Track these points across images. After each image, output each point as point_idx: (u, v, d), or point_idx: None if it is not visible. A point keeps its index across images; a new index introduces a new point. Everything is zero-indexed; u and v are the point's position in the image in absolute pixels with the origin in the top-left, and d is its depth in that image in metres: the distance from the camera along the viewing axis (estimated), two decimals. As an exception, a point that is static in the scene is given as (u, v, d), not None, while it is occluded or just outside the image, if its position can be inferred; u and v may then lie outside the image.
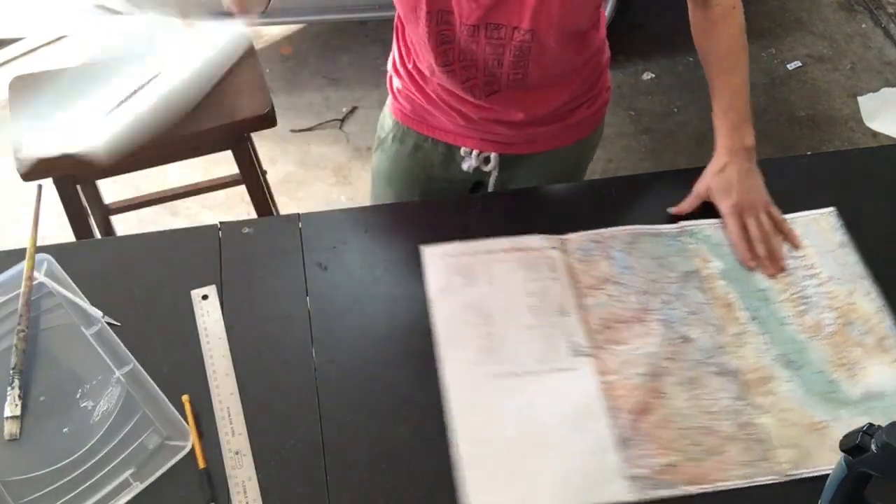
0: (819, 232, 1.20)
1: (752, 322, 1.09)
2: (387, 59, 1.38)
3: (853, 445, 0.81)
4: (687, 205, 1.21)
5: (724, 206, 1.19)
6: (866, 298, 1.12)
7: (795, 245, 1.17)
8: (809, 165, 1.33)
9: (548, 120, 1.31)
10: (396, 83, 1.36)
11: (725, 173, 1.19)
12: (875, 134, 2.75)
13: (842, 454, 0.84)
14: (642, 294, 1.12)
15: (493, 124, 1.29)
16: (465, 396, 1.02)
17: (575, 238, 1.17)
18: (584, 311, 1.10)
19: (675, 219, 1.21)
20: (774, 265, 1.15)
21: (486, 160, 1.36)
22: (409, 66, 1.30)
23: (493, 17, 1.11)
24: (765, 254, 1.15)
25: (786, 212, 1.21)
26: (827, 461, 0.97)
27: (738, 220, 1.17)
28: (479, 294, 1.11)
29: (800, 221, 1.21)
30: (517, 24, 1.11)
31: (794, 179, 1.30)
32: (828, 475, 0.93)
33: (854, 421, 1.00)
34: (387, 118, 1.42)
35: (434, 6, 1.12)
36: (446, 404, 1.01)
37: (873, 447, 0.79)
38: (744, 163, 1.19)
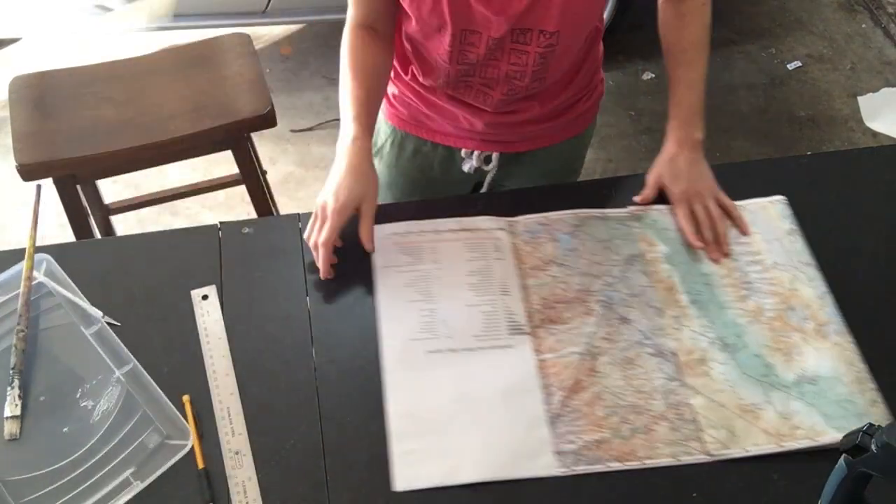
0: (768, 219, 1.21)
1: (692, 305, 1.11)
2: None
3: (853, 445, 0.81)
4: (647, 195, 1.23)
5: (673, 192, 1.22)
6: (809, 285, 1.13)
7: (743, 231, 1.19)
8: (809, 165, 1.33)
9: (553, 115, 1.31)
10: (392, 89, 1.35)
11: (675, 162, 1.23)
12: (875, 134, 2.75)
13: (842, 454, 0.84)
14: (585, 276, 1.13)
15: (499, 126, 1.30)
16: (400, 371, 1.03)
17: (523, 220, 1.20)
18: (525, 291, 1.12)
19: (625, 204, 1.22)
20: (719, 249, 1.17)
21: (487, 160, 1.36)
22: (407, 78, 1.29)
23: (521, 23, 1.11)
24: (711, 238, 1.17)
25: (736, 199, 1.23)
26: (753, 443, 0.99)
27: (687, 206, 1.20)
28: (422, 272, 1.13)
29: (749, 208, 1.23)
30: (543, 27, 1.11)
31: (794, 179, 1.30)
32: (756, 457, 0.97)
33: (785, 404, 1.02)
34: (382, 124, 1.40)
35: (458, 26, 1.11)
36: (382, 379, 1.02)
37: (873, 447, 0.79)
38: (692, 153, 1.24)
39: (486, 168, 1.37)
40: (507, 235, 1.18)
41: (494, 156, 1.35)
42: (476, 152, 1.34)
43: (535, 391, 1.02)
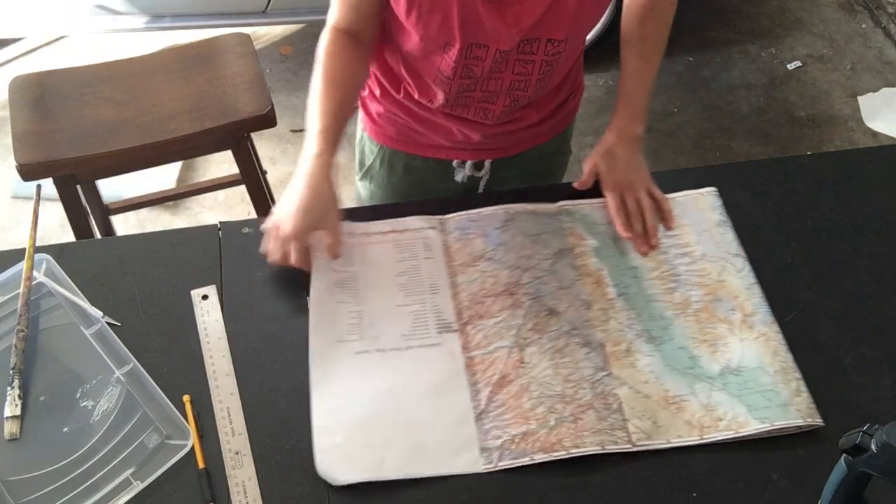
0: (698, 210, 1.22)
1: (619, 298, 1.12)
2: None
3: (853, 445, 0.81)
4: (584, 181, 1.23)
5: (607, 182, 1.22)
6: (737, 276, 1.14)
7: (668, 226, 1.20)
8: (809, 165, 1.33)
9: (546, 118, 1.31)
10: (376, 108, 1.31)
11: (611, 153, 1.23)
12: (875, 134, 2.75)
13: (842, 454, 0.84)
14: (514, 269, 1.13)
15: (495, 137, 1.29)
16: (325, 371, 1.03)
17: (454, 217, 1.19)
18: (455, 289, 1.12)
19: (555, 198, 1.23)
20: (647, 242, 1.17)
21: (479, 167, 1.35)
22: (400, 96, 1.25)
23: (531, 34, 1.09)
24: (640, 230, 1.18)
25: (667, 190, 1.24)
26: (676, 435, 0.99)
27: (619, 197, 1.20)
28: (351, 273, 1.13)
29: (680, 200, 1.23)
30: (552, 36, 1.10)
31: (794, 179, 1.30)
32: (679, 447, 0.98)
33: (709, 396, 1.02)
34: (367, 143, 1.38)
35: (467, 40, 1.08)
36: (309, 380, 1.02)
37: (873, 447, 0.79)
38: (630, 146, 1.23)
39: (478, 175, 1.36)
40: (437, 234, 1.18)
41: (487, 162, 1.34)
42: (469, 162, 1.34)
43: (463, 389, 1.02)
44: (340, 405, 1.00)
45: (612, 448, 0.97)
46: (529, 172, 1.38)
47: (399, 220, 1.19)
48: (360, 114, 1.37)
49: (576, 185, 1.23)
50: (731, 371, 1.05)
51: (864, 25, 3.16)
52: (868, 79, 2.95)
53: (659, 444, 0.99)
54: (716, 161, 2.61)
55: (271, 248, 1.08)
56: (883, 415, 1.03)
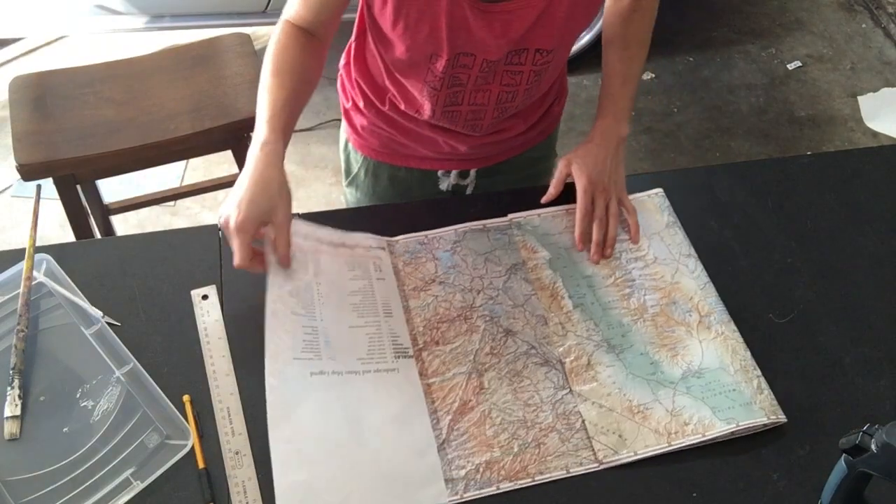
0: (646, 212, 1.21)
1: (575, 310, 1.10)
2: None
3: (853, 445, 0.81)
4: (555, 189, 1.19)
5: (580, 182, 1.17)
6: (691, 276, 1.14)
7: (634, 240, 1.17)
8: (809, 165, 1.33)
9: (533, 125, 1.31)
10: (359, 121, 1.30)
11: (591, 153, 1.19)
12: (875, 134, 2.75)
13: (842, 454, 0.84)
14: (467, 292, 1.11)
15: (481, 147, 1.28)
16: (282, 395, 0.97)
17: (402, 241, 1.17)
18: (408, 313, 1.09)
19: (504, 212, 1.21)
20: (599, 251, 1.15)
21: (464, 175, 1.35)
22: (385, 108, 1.24)
23: (519, 44, 1.08)
24: (598, 239, 1.15)
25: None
26: (643, 445, 0.98)
27: (588, 199, 1.17)
28: (305, 283, 1.07)
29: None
30: (541, 46, 1.09)
31: (794, 179, 1.30)
32: (646, 458, 0.97)
33: (673, 400, 1.02)
34: (352, 153, 1.37)
35: (454, 50, 1.06)
36: (267, 400, 0.96)
37: (873, 447, 0.79)
38: (612, 148, 1.19)
39: (463, 183, 1.36)
40: (387, 256, 1.15)
41: (472, 171, 1.34)
42: (454, 171, 1.33)
43: (423, 417, 0.99)
44: (300, 435, 0.95)
45: (577, 470, 0.96)
46: (515, 179, 1.38)
47: (350, 234, 1.14)
48: (344, 124, 1.37)
49: (544, 199, 1.19)
50: (692, 374, 1.04)
51: (864, 25, 3.16)
52: (868, 79, 2.95)
53: (627, 457, 0.97)
54: (716, 161, 2.61)
55: (226, 242, 1.01)
56: (883, 415, 1.03)
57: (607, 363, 1.05)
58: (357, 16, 1.20)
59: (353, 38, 1.24)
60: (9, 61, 2.83)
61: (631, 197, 1.22)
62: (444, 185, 1.35)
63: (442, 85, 1.12)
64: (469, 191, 1.38)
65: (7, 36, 2.78)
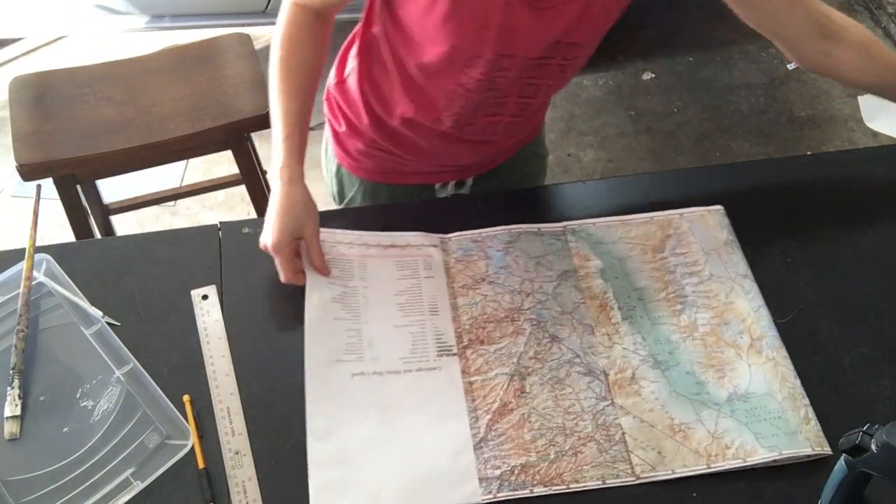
0: (706, 228, 1.19)
1: (624, 322, 1.09)
2: None
3: (853, 445, 0.81)
4: None
5: None
6: (745, 298, 1.12)
7: None
8: (809, 165, 1.33)
9: (533, 126, 1.30)
10: (354, 145, 1.30)
11: None
12: (875, 134, 2.75)
13: (842, 454, 0.84)
14: (517, 294, 1.11)
15: (478, 153, 1.27)
16: (322, 394, 1.00)
17: (456, 238, 1.17)
18: (455, 311, 1.10)
19: (559, 218, 1.20)
20: None
21: (461, 184, 1.35)
22: (395, 123, 1.21)
23: (559, 38, 1.07)
24: None
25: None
26: (682, 465, 0.97)
27: None
28: (350, 289, 1.10)
29: (687, 216, 1.21)
30: (574, 40, 1.08)
31: (794, 179, 1.30)
32: (685, 478, 0.95)
33: (716, 422, 1.00)
34: (346, 177, 1.36)
35: (498, 50, 1.05)
36: (306, 401, 1.00)
37: (873, 447, 0.79)
38: None
39: (460, 192, 1.36)
40: (439, 253, 1.15)
41: (469, 179, 1.34)
42: (451, 182, 1.33)
43: (462, 415, 1.00)
44: (335, 437, 0.97)
45: (613, 482, 0.96)
46: (511, 181, 1.38)
47: (400, 234, 1.16)
48: (333, 149, 1.35)
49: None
50: (738, 397, 1.02)
51: (863, 25, 3.16)
52: (868, 79, 2.95)
53: (664, 474, 0.96)
54: (716, 161, 2.61)
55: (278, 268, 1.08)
56: (883, 415, 1.03)
57: (652, 379, 1.04)
58: (360, 29, 1.18)
59: (352, 55, 1.22)
60: (9, 61, 2.83)
61: (689, 211, 1.21)
62: (441, 195, 1.35)
63: (478, 88, 1.10)
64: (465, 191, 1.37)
65: (7, 36, 2.78)
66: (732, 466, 0.97)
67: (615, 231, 1.19)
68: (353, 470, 0.95)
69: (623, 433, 0.99)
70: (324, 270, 1.09)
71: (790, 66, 2.97)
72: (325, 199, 2.41)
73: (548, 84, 1.15)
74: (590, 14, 1.05)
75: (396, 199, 1.34)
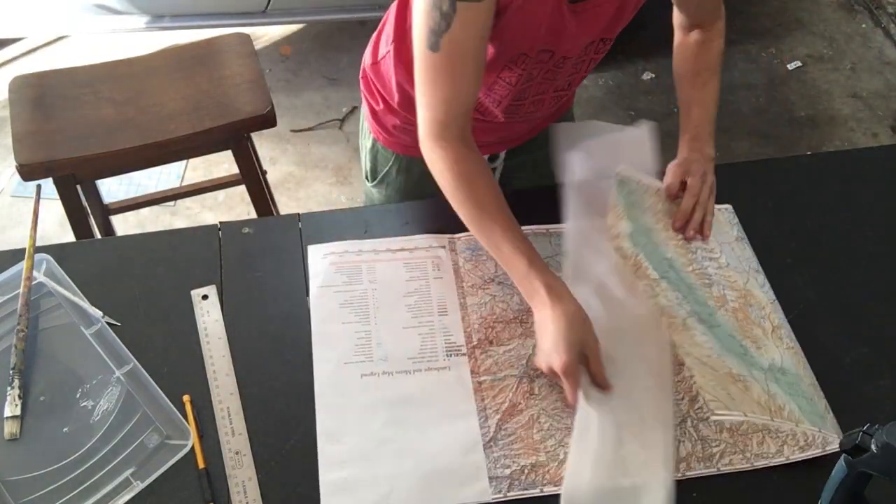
0: (717, 225, 1.20)
1: (662, 280, 1.08)
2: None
3: (853, 445, 0.81)
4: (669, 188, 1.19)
5: (675, 170, 1.19)
6: (761, 290, 1.13)
7: (704, 235, 1.15)
8: (809, 165, 1.34)
9: (564, 102, 1.32)
10: (391, 121, 1.30)
11: (689, 163, 1.19)
12: (875, 134, 2.75)
13: (842, 454, 0.84)
14: None
15: (516, 132, 1.29)
16: (332, 397, 1.01)
17: (464, 238, 1.18)
18: (464, 311, 1.10)
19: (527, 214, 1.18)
20: (686, 221, 1.14)
21: (493, 158, 1.36)
22: None
23: (595, 37, 1.10)
24: (690, 206, 1.14)
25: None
26: (751, 410, 0.96)
27: (700, 185, 1.16)
28: (359, 293, 1.11)
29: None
30: (606, 35, 1.11)
31: (794, 179, 1.30)
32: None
33: (766, 384, 1.00)
34: (381, 152, 1.36)
35: (538, 47, 1.06)
36: (315, 405, 1.01)
37: (873, 447, 0.79)
38: (703, 162, 1.18)
39: (492, 166, 1.36)
40: (447, 253, 1.16)
41: (501, 154, 1.35)
42: (485, 156, 1.34)
43: (472, 415, 1.01)
44: (346, 437, 0.98)
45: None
46: (540, 157, 1.38)
47: (409, 238, 1.17)
48: (370, 125, 1.36)
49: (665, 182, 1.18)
50: (777, 370, 1.03)
51: (864, 25, 3.16)
52: (868, 79, 2.95)
53: (736, 415, 0.95)
54: (716, 161, 2.61)
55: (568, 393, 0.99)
56: (883, 415, 1.02)
57: (701, 331, 1.03)
58: (394, 16, 1.17)
59: (389, 40, 1.21)
60: (9, 61, 2.83)
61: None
62: None
63: (517, 81, 1.12)
64: (498, 173, 1.38)
65: (7, 36, 2.78)
66: (789, 428, 0.97)
67: (649, 198, 1.18)
68: (364, 469, 0.96)
69: (689, 377, 0.98)
70: (606, 387, 1.00)
71: (790, 66, 2.97)
72: (327, 199, 2.42)
73: (581, 76, 1.18)
74: (624, 13, 1.08)
75: (429, 175, 1.34)
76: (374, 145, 1.37)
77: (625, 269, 1.09)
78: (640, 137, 1.23)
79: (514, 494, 0.95)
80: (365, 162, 1.42)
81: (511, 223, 1.04)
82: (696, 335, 1.03)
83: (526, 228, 1.17)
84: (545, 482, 0.96)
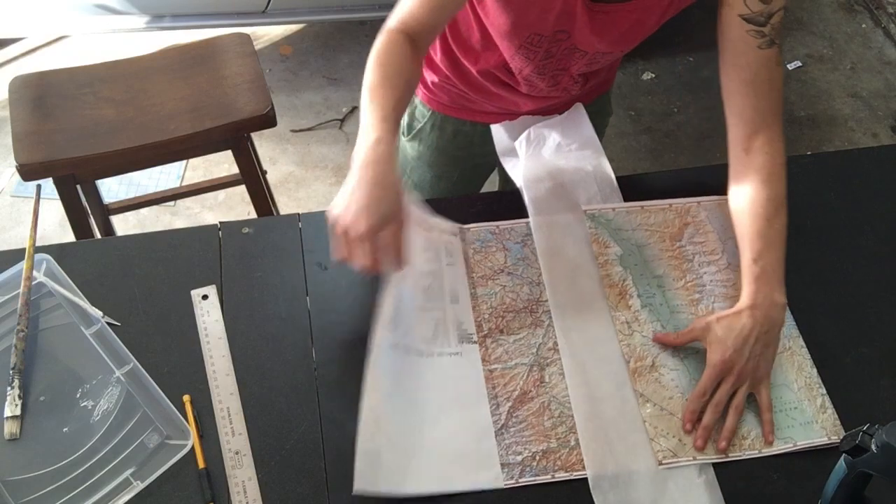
0: (722, 217, 1.20)
1: (643, 310, 1.10)
2: None
3: (853, 445, 0.81)
4: (674, 338, 1.06)
5: (712, 356, 1.01)
6: None
7: (767, 441, 1.00)
8: (809, 165, 1.34)
9: (600, 83, 1.36)
10: (431, 77, 1.35)
11: (736, 321, 1.01)
12: (875, 134, 2.75)
13: (842, 454, 0.84)
14: (535, 285, 1.13)
15: (551, 103, 1.32)
16: (378, 363, 1.01)
17: (474, 228, 1.18)
18: (475, 300, 1.11)
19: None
20: (705, 436, 0.99)
21: None
22: (468, 64, 1.26)
23: (608, 48, 1.16)
24: (707, 423, 0.99)
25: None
26: (702, 453, 0.98)
27: (714, 379, 1.00)
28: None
29: (704, 205, 1.22)
30: (624, 49, 1.18)
31: (794, 179, 1.30)
32: (702, 466, 0.97)
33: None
34: (419, 107, 1.41)
35: (554, 27, 1.12)
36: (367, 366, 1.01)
37: (873, 447, 0.79)
38: (764, 321, 1.01)
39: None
40: (458, 241, 1.17)
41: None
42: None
43: (483, 402, 1.02)
44: (380, 406, 0.98)
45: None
46: None
47: (428, 216, 1.16)
48: None
49: (656, 336, 1.07)
50: None
51: (864, 25, 3.16)
52: (868, 79, 2.95)
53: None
54: (716, 161, 2.60)
55: (340, 249, 0.94)
56: (883, 415, 1.03)
57: (671, 367, 1.05)
58: None
59: None
60: (9, 61, 2.83)
61: (706, 199, 1.21)
62: None
63: (535, 56, 1.17)
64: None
65: (7, 36, 2.78)
66: (749, 456, 0.98)
67: (634, 217, 1.20)
68: (389, 444, 0.96)
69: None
70: (402, 266, 0.97)
71: (790, 66, 2.97)
72: (327, 199, 2.41)
73: (607, 67, 1.24)
74: (643, 27, 1.11)
75: (462, 135, 1.40)
76: (412, 100, 1.41)
77: (609, 300, 1.11)
78: (575, 113, 1.28)
79: (526, 480, 0.96)
80: (404, 116, 1.45)
81: (396, 84, 1.00)
82: (663, 375, 1.04)
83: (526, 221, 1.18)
84: (556, 468, 0.97)
